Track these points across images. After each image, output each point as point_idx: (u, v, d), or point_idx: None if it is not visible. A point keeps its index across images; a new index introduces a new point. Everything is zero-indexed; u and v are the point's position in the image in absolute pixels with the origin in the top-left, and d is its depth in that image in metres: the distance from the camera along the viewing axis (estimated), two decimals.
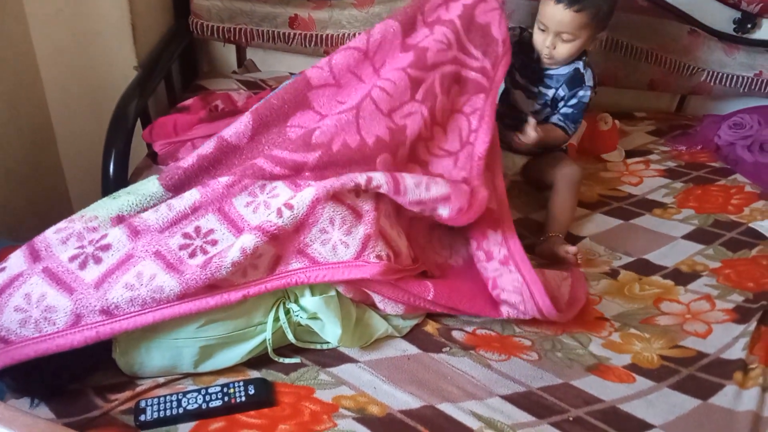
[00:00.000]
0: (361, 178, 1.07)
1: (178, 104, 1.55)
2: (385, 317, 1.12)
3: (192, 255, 1.00)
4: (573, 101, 1.47)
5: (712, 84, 1.83)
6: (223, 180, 1.07)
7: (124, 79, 1.51)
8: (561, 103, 1.49)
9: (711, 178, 1.68)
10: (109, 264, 0.98)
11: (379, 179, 1.07)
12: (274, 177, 1.09)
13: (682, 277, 1.34)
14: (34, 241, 1.00)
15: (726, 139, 1.75)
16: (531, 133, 1.37)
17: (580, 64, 1.46)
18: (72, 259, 0.97)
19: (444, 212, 1.13)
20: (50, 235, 1.01)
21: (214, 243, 1.03)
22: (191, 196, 1.05)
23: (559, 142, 1.50)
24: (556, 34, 1.39)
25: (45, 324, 0.92)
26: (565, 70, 1.47)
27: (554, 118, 1.48)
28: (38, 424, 0.65)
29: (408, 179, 1.10)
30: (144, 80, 1.52)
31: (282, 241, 1.03)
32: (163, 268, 0.97)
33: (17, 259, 0.98)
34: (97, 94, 1.59)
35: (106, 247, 0.99)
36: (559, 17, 1.36)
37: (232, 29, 1.76)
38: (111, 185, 1.33)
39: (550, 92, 1.49)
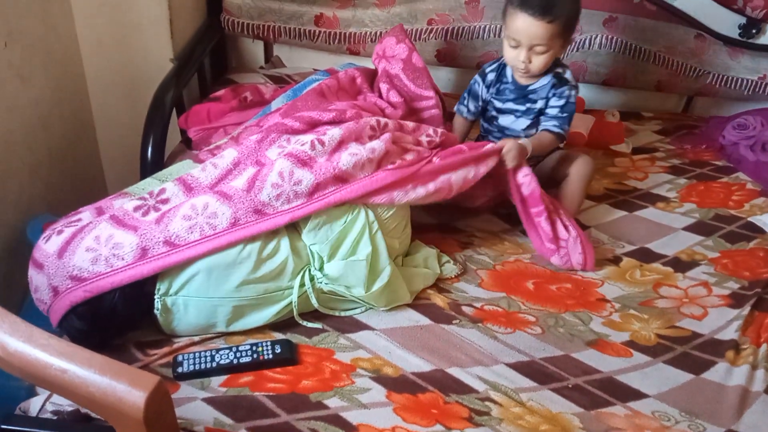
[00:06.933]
0: (374, 120, 1.27)
1: (211, 95, 1.65)
2: (425, 262, 1.29)
3: (234, 179, 1.13)
4: (561, 102, 1.44)
5: (717, 86, 1.89)
6: (253, 137, 1.22)
7: (160, 71, 1.62)
8: (549, 109, 1.45)
9: (714, 175, 1.74)
10: (167, 209, 1.09)
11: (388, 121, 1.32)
12: (294, 131, 1.25)
13: (681, 264, 1.41)
14: (99, 203, 1.13)
15: (730, 139, 1.81)
16: (510, 162, 1.33)
17: (558, 69, 1.44)
18: (136, 209, 1.09)
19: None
20: (112, 198, 1.14)
21: None
22: (229, 154, 1.18)
23: (554, 146, 1.50)
24: (530, 48, 1.36)
25: (114, 260, 1.03)
26: (545, 80, 1.44)
27: (548, 125, 1.45)
28: (96, 358, 0.72)
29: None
30: (179, 72, 1.63)
31: (318, 167, 1.15)
32: (214, 198, 1.09)
33: (86, 214, 1.10)
34: (134, 85, 1.70)
35: (165, 201, 1.11)
36: (532, 30, 1.33)
37: (261, 26, 1.86)
38: (148, 167, 1.43)
39: (538, 104, 1.46)
